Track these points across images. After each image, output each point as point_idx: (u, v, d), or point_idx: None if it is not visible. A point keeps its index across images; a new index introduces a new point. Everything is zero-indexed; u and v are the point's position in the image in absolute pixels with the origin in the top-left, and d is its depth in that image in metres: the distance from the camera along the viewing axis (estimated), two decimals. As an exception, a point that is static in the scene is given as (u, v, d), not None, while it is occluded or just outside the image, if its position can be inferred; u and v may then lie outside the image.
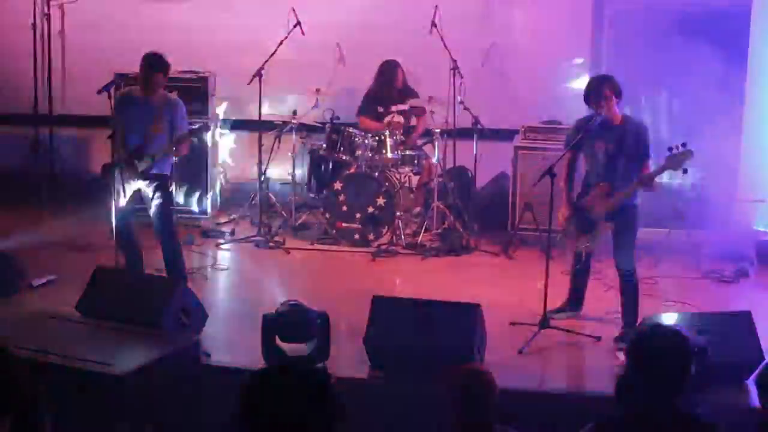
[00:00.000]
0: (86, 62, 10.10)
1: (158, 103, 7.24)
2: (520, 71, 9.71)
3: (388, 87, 9.32)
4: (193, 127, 7.48)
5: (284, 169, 9.32)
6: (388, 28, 9.76)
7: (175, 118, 7.22)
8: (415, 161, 9.11)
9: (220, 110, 9.79)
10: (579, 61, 9.53)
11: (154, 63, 7.19)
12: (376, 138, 8.79)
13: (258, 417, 2.57)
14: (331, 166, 9.07)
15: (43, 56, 9.96)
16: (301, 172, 9.48)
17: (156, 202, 7.25)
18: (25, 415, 2.69)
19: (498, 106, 9.47)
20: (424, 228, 8.86)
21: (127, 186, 7.14)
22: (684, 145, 6.27)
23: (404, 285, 7.83)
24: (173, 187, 7.73)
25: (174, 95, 7.55)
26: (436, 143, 8.88)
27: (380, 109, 9.32)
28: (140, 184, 7.23)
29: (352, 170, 8.84)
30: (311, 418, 2.55)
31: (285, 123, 9.17)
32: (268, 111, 9.04)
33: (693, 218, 8.49)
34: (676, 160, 6.28)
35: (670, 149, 6.33)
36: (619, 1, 9.36)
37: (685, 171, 6.38)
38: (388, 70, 9.30)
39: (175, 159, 7.35)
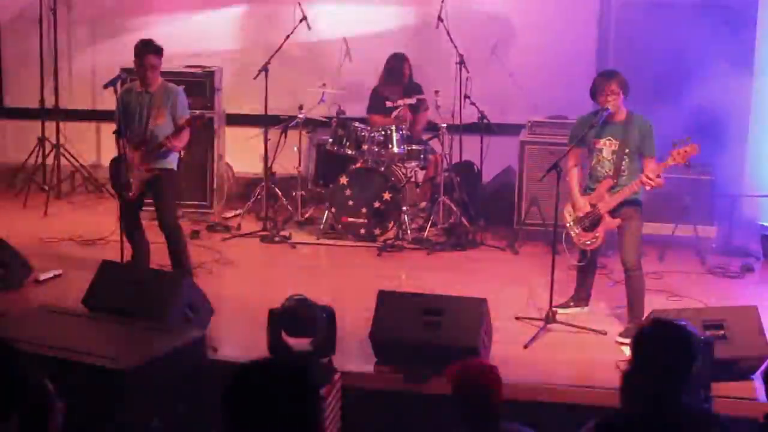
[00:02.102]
0: (92, 57, 10.12)
1: (158, 93, 7.23)
2: (527, 66, 9.70)
3: (395, 80, 9.31)
4: (194, 113, 7.45)
5: (290, 164, 9.32)
6: (395, 23, 9.76)
7: (175, 107, 7.20)
8: (422, 156, 9.09)
9: (226, 105, 9.79)
10: (585, 55, 9.51)
11: (145, 45, 7.18)
12: (383, 133, 8.79)
13: (240, 412, 2.58)
14: (337, 161, 9.07)
15: (50, 51, 9.96)
16: (307, 166, 9.49)
17: (162, 195, 7.26)
18: (34, 411, 2.69)
19: (504, 100, 9.47)
20: (430, 223, 8.85)
21: (133, 179, 7.15)
22: (689, 139, 6.28)
23: (410, 280, 7.83)
24: (180, 181, 7.71)
25: (174, 85, 7.43)
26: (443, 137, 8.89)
27: (388, 103, 9.32)
28: (147, 178, 7.23)
29: (358, 165, 8.83)
30: (291, 414, 2.56)
31: (291, 118, 9.17)
32: (274, 106, 9.04)
33: (699, 213, 8.48)
34: (681, 155, 6.29)
35: (674, 144, 6.34)
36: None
37: (689, 165, 6.38)
38: (396, 62, 9.29)
39: (181, 153, 7.35)
